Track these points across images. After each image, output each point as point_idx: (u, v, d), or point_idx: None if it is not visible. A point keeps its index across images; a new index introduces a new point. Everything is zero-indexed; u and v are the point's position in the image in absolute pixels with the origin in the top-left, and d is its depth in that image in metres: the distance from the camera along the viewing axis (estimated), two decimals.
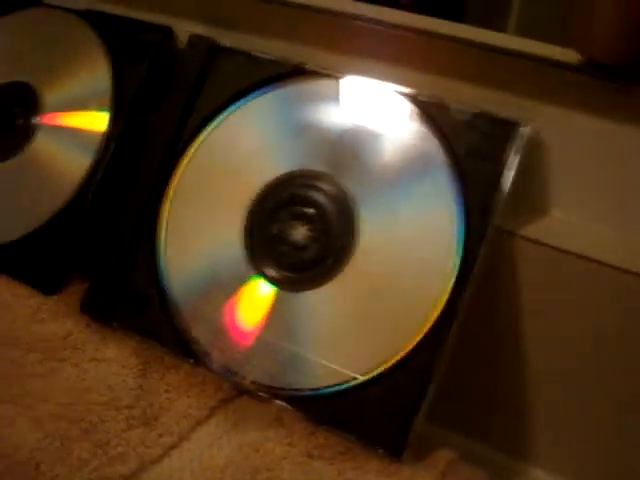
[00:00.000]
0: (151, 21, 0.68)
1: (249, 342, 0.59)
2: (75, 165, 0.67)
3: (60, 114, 0.70)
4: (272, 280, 0.59)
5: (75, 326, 0.62)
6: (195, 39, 0.65)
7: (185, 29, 0.67)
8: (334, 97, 0.61)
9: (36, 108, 0.71)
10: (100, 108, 0.68)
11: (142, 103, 0.67)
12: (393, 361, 0.55)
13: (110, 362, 0.60)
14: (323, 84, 0.62)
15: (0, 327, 0.61)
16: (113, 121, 0.67)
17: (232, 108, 0.63)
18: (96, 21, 0.71)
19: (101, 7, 0.71)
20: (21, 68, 0.73)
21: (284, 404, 0.57)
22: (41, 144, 0.70)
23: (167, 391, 0.59)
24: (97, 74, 0.70)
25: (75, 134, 0.69)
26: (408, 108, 0.58)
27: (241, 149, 0.62)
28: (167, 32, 0.68)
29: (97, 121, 0.68)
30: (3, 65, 0.74)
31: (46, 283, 0.66)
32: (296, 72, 0.62)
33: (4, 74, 0.73)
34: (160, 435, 0.56)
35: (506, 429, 0.63)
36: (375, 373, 0.55)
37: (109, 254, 0.64)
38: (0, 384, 0.57)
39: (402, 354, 0.55)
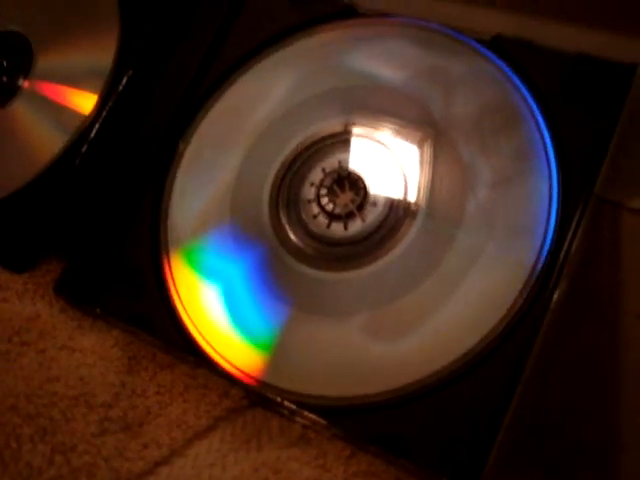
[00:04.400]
0: None
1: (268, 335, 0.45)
2: (51, 140, 0.56)
3: (49, 84, 0.59)
4: (304, 256, 0.46)
5: (46, 309, 0.48)
6: None
7: None
8: (394, 44, 0.49)
9: (27, 68, 0.59)
10: (92, 90, 0.57)
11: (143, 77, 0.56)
12: (463, 361, 0.41)
13: (86, 352, 0.46)
14: (379, 28, 0.50)
15: None
16: (100, 107, 0.55)
17: (266, 54, 0.51)
18: None
19: None
20: (24, 20, 0.62)
21: (313, 416, 0.43)
22: (21, 109, 0.58)
23: (158, 393, 0.44)
24: (100, 50, 0.59)
25: (59, 110, 0.58)
26: (488, 52, 0.47)
27: (275, 101, 0.50)
28: None
29: (86, 103, 0.57)
30: (8, 11, 0.63)
31: (15, 259, 0.52)
32: (346, 13, 0.51)
33: (7, 21, 0.62)
34: (144, 446, 0.41)
35: None
36: (436, 378, 0.41)
37: (96, 224, 0.51)
38: None
39: (477, 350, 0.41)
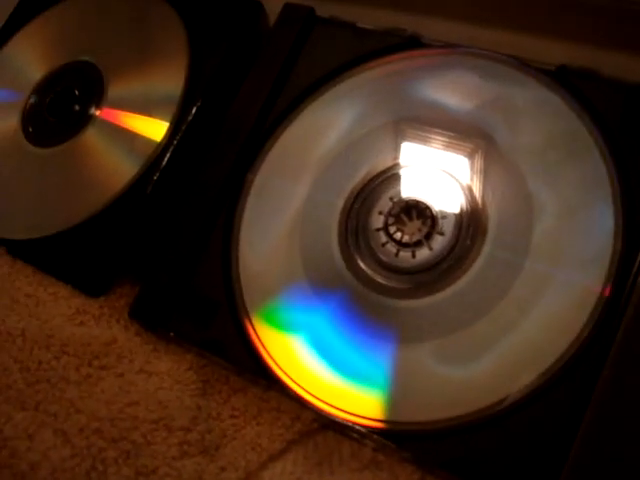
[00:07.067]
0: None
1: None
2: (124, 167, 0.58)
3: (120, 112, 0.61)
4: (374, 285, 0.47)
5: (122, 333, 0.50)
6: (290, 8, 0.55)
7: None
8: (458, 74, 0.50)
9: (98, 97, 0.62)
10: (164, 118, 0.59)
11: (212, 107, 0.58)
12: (533, 387, 0.42)
13: (162, 376, 0.47)
14: (443, 58, 0.51)
15: (30, 326, 0.50)
16: (171, 134, 0.57)
17: (332, 84, 0.52)
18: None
19: None
20: (96, 49, 0.64)
21: (383, 440, 0.44)
22: (93, 137, 0.60)
23: (232, 416, 0.46)
24: (171, 79, 0.61)
25: (131, 137, 0.59)
26: (553, 83, 0.48)
27: (341, 131, 0.51)
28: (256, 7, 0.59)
29: (158, 130, 0.59)
30: (80, 42, 0.66)
31: (91, 283, 0.54)
32: (410, 44, 0.52)
33: (79, 51, 0.65)
34: (222, 469, 0.43)
35: None
36: (507, 403, 0.42)
37: (169, 251, 0.52)
38: (22, 389, 0.45)
39: (546, 377, 0.42)
